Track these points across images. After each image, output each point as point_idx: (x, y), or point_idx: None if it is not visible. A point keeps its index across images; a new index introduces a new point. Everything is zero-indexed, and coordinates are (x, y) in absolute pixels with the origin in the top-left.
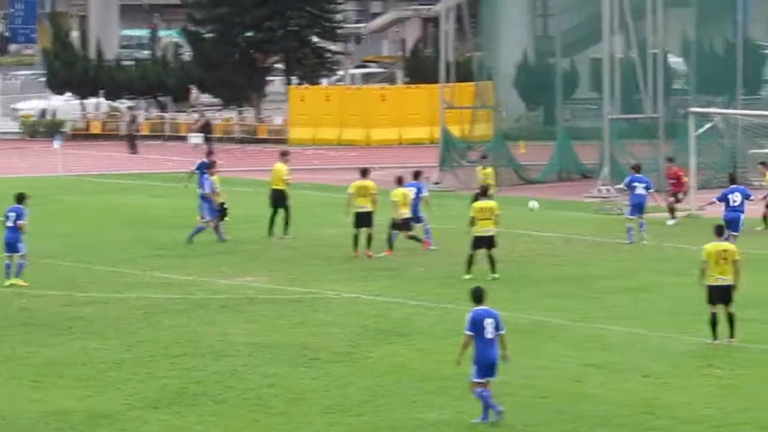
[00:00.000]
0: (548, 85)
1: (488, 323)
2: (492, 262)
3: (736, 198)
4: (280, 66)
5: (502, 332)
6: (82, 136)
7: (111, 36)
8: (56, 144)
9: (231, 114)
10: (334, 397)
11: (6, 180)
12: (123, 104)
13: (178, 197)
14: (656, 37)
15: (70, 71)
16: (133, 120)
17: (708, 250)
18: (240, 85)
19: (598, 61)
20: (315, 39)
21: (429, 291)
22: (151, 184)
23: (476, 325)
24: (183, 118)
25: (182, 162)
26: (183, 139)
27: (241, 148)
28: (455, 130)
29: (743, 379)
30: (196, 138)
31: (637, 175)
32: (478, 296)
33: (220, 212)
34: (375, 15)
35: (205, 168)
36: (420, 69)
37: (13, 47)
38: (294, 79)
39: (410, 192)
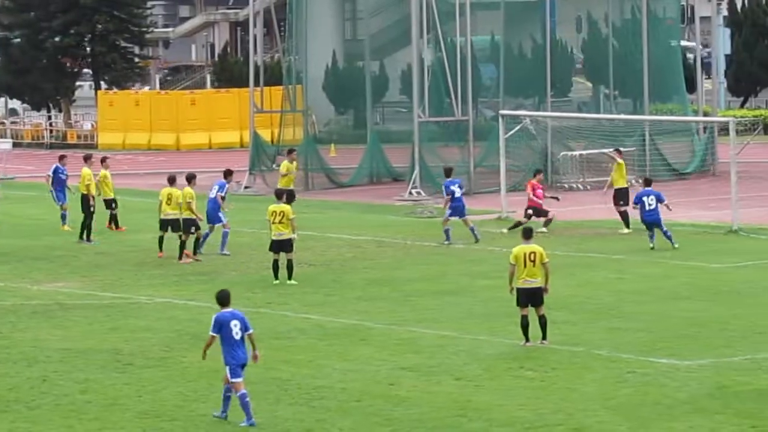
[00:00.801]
0: (357, 88)
1: (234, 325)
2: (288, 267)
3: (651, 201)
4: (88, 71)
5: (250, 332)
6: None
7: None
8: None
9: (40, 119)
10: (147, 402)
11: None
12: None
13: None
14: (465, 39)
15: None
16: None
17: (515, 252)
18: (48, 90)
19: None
20: (123, 43)
21: (241, 295)
22: None
23: (222, 328)
24: None
25: None
26: None
27: (51, 153)
28: (265, 134)
29: (555, 381)
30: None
31: (451, 179)
32: (222, 299)
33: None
34: (183, 19)
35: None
36: (229, 73)
37: None
38: (103, 84)
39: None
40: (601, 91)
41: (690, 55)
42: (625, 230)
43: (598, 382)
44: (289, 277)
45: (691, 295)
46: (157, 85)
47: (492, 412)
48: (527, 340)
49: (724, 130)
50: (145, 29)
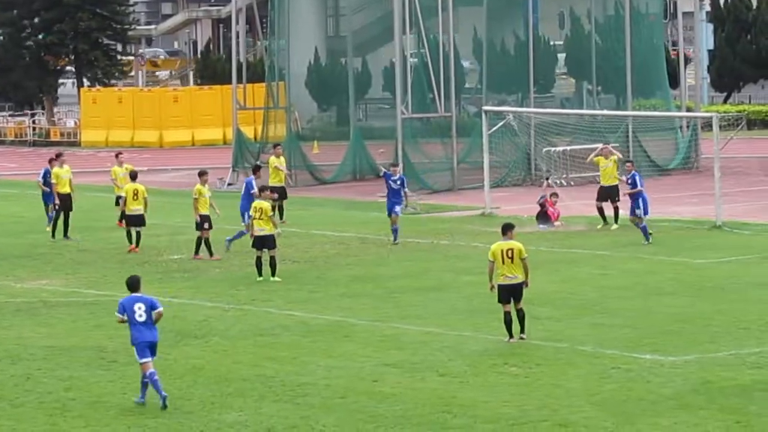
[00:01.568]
0: (340, 85)
1: (138, 307)
2: (272, 264)
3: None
4: (71, 68)
5: (159, 309)
6: None
7: None
8: None
9: (23, 117)
10: (132, 400)
11: None
12: None
13: None
14: (447, 35)
15: None
16: None
17: (493, 249)
18: (31, 88)
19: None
20: (106, 41)
21: (225, 292)
22: None
23: (126, 310)
24: None
25: None
26: None
27: (34, 151)
28: (248, 131)
29: (539, 377)
30: None
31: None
32: (130, 285)
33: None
34: (166, 17)
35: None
36: (212, 70)
37: None
38: (86, 82)
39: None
40: (584, 87)
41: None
42: (614, 225)
43: (583, 378)
44: (273, 274)
45: (675, 290)
46: (141, 82)
47: (477, 408)
48: (511, 336)
49: (707, 125)
50: (127, 26)
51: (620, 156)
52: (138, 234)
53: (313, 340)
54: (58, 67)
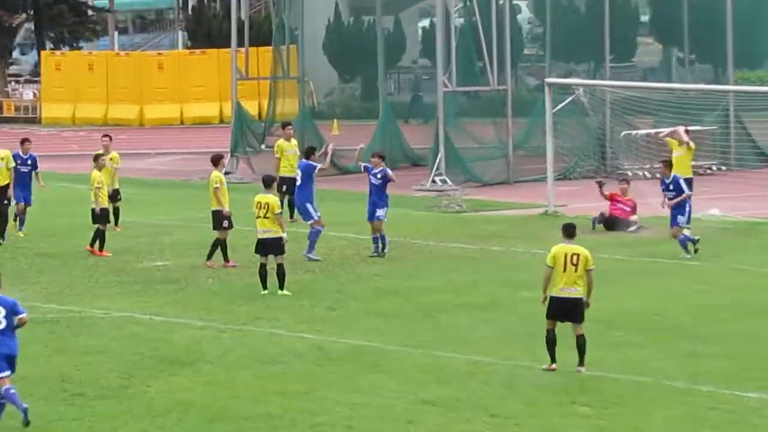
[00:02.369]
0: (367, 50)
1: None
2: (279, 273)
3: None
4: (29, 26)
5: (22, 314)
6: None
7: None
8: None
9: None
10: None
11: None
12: None
13: None
14: None
15: None
16: None
17: (555, 252)
18: None
19: (431, 21)
20: None
21: (221, 308)
22: None
23: None
24: None
25: None
26: None
27: None
28: (251, 107)
29: (615, 419)
30: None
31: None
32: None
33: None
34: None
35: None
36: (205, 30)
37: None
38: (48, 44)
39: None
40: (673, 54)
41: None
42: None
43: (672, 422)
44: (281, 287)
45: None
46: (116, 45)
47: None
48: (553, 361)
49: None
50: None
51: (691, 144)
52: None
53: (331, 369)
54: (13, 25)
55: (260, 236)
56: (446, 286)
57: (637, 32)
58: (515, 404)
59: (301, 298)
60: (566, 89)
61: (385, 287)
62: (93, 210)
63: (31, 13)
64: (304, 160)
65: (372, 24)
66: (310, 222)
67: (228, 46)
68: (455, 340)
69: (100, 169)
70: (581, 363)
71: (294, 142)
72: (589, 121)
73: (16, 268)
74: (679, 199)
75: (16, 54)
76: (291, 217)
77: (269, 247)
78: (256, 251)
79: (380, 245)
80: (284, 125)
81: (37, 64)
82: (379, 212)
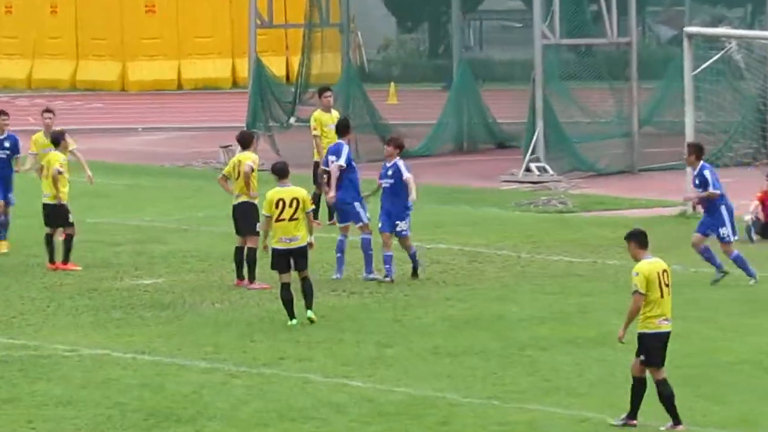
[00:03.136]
0: None
1: None
2: (306, 290)
3: None
4: None
5: None
6: None
7: None
8: None
9: None
10: None
11: None
12: None
13: None
14: None
15: None
16: None
17: (646, 273)
18: None
19: None
20: None
21: (232, 345)
22: None
23: None
24: None
25: None
26: None
27: None
28: (276, 66)
29: None
30: None
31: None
32: None
33: None
34: None
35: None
36: None
37: None
38: None
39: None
40: None
41: None
42: None
43: None
44: (308, 306)
45: None
46: None
47: None
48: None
49: None
50: None
51: None
52: (67, 238)
53: (386, 428)
54: None
55: (283, 246)
56: (543, 313)
57: None
58: None
59: (343, 330)
60: (713, 43)
61: (460, 316)
62: (48, 206)
63: None
64: (340, 142)
65: None
66: (359, 225)
67: None
68: (556, 390)
69: (64, 151)
70: (675, 420)
71: (335, 113)
72: (744, 87)
73: None
74: (705, 194)
75: None
76: (330, 218)
77: (297, 259)
78: (275, 266)
79: (413, 265)
80: (322, 91)
81: None
82: (401, 224)
